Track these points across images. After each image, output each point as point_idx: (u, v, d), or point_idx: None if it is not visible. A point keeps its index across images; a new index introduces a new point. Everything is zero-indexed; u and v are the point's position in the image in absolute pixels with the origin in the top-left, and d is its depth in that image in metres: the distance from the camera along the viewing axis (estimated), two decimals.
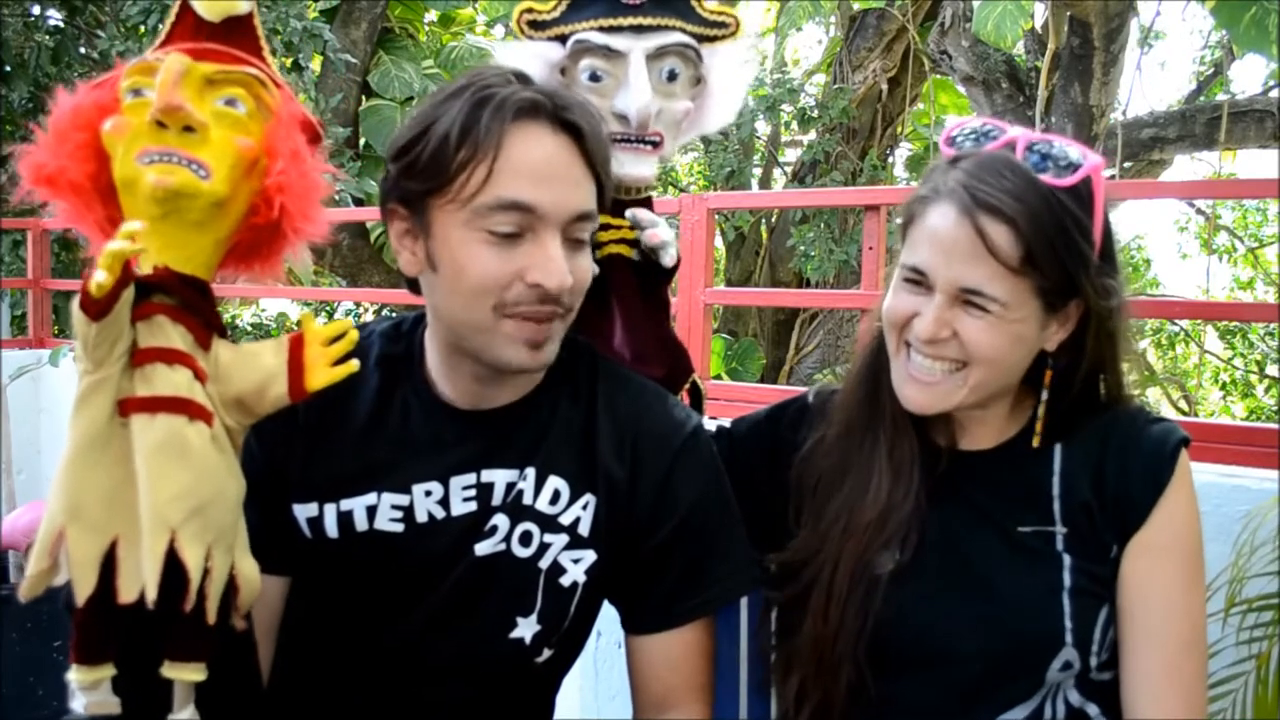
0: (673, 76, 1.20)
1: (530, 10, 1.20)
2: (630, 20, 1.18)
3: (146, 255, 0.81)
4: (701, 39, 1.22)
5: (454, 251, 0.98)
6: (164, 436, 0.79)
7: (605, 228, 1.20)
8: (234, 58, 0.86)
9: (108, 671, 0.79)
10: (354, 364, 0.91)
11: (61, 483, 0.78)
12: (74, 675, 0.79)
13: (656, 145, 1.21)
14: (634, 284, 1.25)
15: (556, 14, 1.20)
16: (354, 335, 0.93)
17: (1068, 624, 1.04)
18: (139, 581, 0.78)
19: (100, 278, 0.74)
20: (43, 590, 0.78)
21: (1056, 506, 1.09)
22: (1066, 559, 1.07)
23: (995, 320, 1.02)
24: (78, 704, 0.79)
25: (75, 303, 0.77)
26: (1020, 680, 1.06)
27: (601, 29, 1.18)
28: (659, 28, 1.19)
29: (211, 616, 0.82)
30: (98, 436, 0.78)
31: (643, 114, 1.16)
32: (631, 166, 1.20)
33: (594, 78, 1.18)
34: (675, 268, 1.26)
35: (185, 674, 0.81)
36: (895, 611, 1.08)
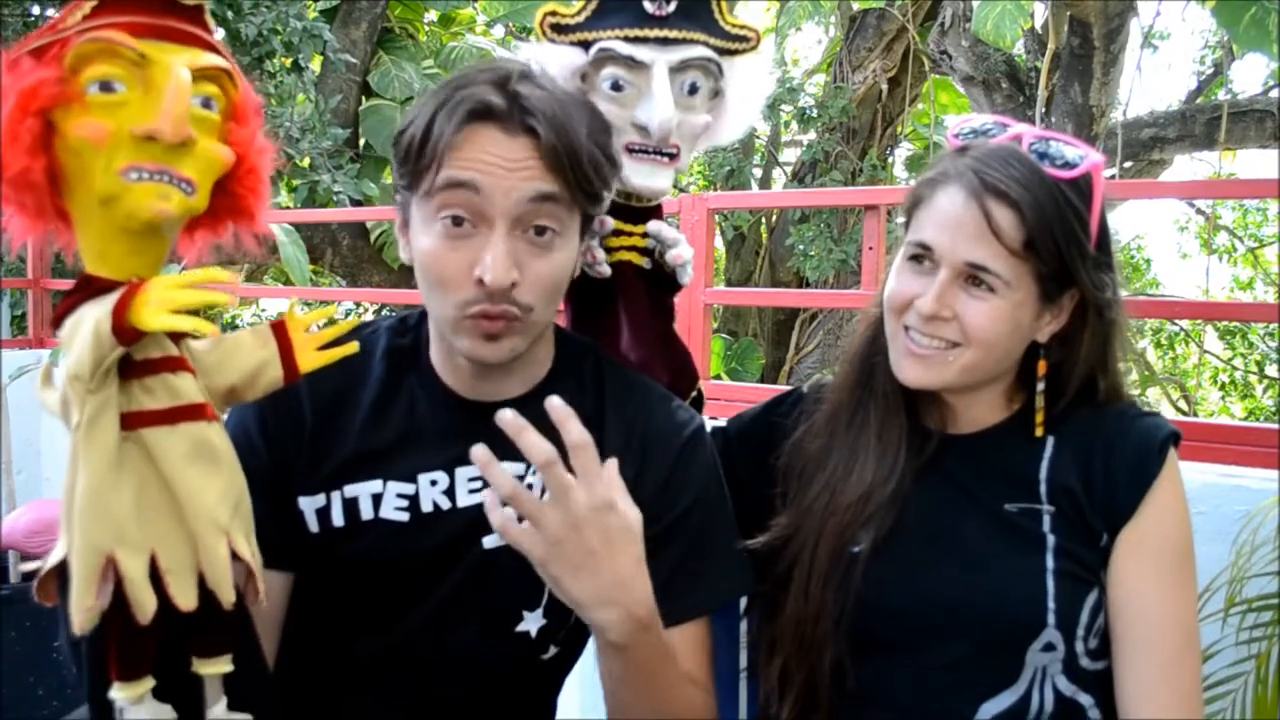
0: (694, 90, 1.19)
1: (554, 14, 1.18)
2: (656, 32, 1.17)
3: (106, 262, 0.78)
4: (723, 52, 1.20)
5: (420, 243, 1.01)
6: (192, 445, 0.78)
7: (617, 233, 1.20)
8: (200, 40, 0.80)
9: (149, 683, 0.78)
10: (353, 346, 0.90)
11: (94, 510, 0.75)
12: (119, 694, 0.77)
13: (674, 157, 1.20)
14: (643, 292, 1.25)
15: (581, 19, 1.18)
16: (345, 325, 0.92)
17: (1050, 604, 1.04)
18: (193, 587, 0.78)
19: (174, 322, 0.72)
20: (98, 622, 0.75)
21: (1043, 489, 1.10)
22: (1051, 539, 1.07)
23: (996, 302, 1.05)
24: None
25: (98, 324, 0.73)
26: (1002, 661, 1.06)
27: (626, 39, 1.16)
28: (684, 41, 1.17)
29: (265, 602, 0.83)
30: (113, 455, 0.76)
31: (664, 128, 1.15)
32: (648, 178, 1.19)
33: (616, 87, 1.17)
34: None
35: (217, 668, 0.81)
36: (876, 589, 1.09)
